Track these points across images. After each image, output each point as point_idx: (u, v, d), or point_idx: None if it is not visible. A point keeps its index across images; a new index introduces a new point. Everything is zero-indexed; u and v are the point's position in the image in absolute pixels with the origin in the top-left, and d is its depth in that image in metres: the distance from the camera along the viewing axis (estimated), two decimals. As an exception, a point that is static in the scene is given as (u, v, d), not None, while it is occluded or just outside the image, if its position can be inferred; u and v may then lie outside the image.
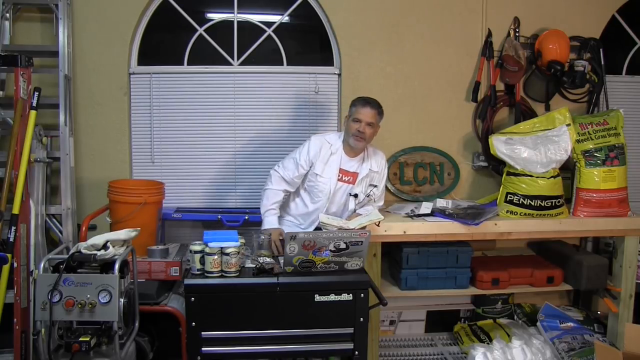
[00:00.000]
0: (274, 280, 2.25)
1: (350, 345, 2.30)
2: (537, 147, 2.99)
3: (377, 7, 3.43)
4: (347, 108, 3.46)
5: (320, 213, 2.76)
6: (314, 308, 2.26)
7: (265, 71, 3.49)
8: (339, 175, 2.81)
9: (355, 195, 2.82)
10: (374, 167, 2.86)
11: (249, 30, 3.48)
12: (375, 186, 2.87)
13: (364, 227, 2.59)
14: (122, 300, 2.22)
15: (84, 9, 3.24)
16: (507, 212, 3.03)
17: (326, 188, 2.78)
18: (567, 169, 3.26)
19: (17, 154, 2.68)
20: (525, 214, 3.00)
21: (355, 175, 2.84)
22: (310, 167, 2.80)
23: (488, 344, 3.12)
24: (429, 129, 3.53)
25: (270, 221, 2.78)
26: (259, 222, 3.14)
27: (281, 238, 2.59)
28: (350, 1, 3.41)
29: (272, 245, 2.60)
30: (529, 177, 2.99)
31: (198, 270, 2.27)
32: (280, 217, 2.88)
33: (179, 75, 3.44)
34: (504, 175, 3.12)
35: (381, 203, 2.96)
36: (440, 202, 3.07)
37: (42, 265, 2.27)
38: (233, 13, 3.46)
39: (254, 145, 3.51)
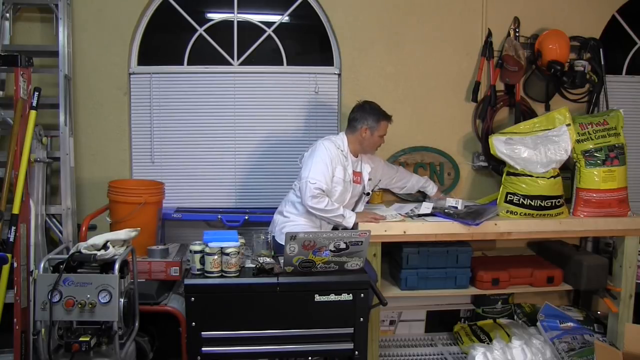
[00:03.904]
0: (274, 280, 2.25)
1: (350, 345, 2.30)
2: (537, 147, 2.99)
3: (377, 7, 3.43)
4: (348, 108, 3.48)
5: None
6: (314, 308, 2.26)
7: (265, 71, 3.49)
8: (353, 177, 2.88)
9: (368, 194, 2.98)
10: (369, 160, 3.02)
11: (249, 30, 3.48)
12: (370, 179, 2.98)
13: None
14: (122, 300, 2.22)
15: (84, 9, 3.24)
16: (507, 212, 3.02)
17: (340, 190, 2.81)
18: (567, 169, 3.26)
19: (17, 154, 2.68)
20: (525, 214, 3.00)
21: (359, 174, 2.93)
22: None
23: (488, 344, 3.12)
24: (429, 129, 3.53)
25: (349, 214, 2.78)
26: (259, 222, 3.16)
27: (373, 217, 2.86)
28: (351, 1, 3.41)
29: (374, 217, 2.84)
30: (529, 177, 2.99)
31: (198, 270, 2.27)
32: (287, 219, 2.85)
33: (179, 75, 3.44)
34: (504, 175, 3.12)
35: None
36: (450, 201, 3.06)
37: (42, 265, 2.27)
38: (233, 13, 3.46)
39: (254, 145, 3.51)
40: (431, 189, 3.27)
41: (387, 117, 2.92)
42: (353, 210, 2.90)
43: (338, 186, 2.79)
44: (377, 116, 2.88)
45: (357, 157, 2.96)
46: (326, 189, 2.72)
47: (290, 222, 2.83)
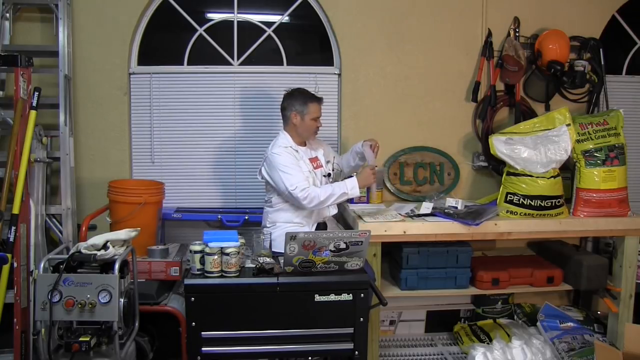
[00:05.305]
0: (274, 280, 2.25)
1: (350, 345, 2.29)
2: (537, 147, 2.99)
3: (377, 7, 3.43)
4: (348, 108, 3.49)
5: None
6: (314, 308, 2.26)
7: (265, 71, 3.49)
8: (312, 165, 2.87)
9: (329, 175, 2.94)
10: (317, 145, 2.99)
11: (249, 30, 3.48)
12: (329, 161, 2.98)
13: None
14: (122, 300, 2.23)
15: (84, 9, 3.24)
16: (507, 212, 3.02)
17: (310, 181, 2.79)
18: (567, 169, 3.25)
19: (17, 154, 2.68)
20: (525, 214, 3.00)
21: (316, 159, 2.93)
22: None
23: (488, 344, 3.12)
24: (429, 129, 3.53)
25: (350, 185, 2.74)
26: (259, 222, 3.15)
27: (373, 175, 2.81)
28: (351, 1, 3.41)
29: (375, 175, 2.81)
30: (529, 177, 2.99)
31: (198, 270, 2.27)
32: (275, 227, 2.86)
33: (179, 75, 3.44)
34: (504, 175, 3.12)
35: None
36: (450, 202, 3.06)
37: (42, 265, 2.27)
38: (233, 13, 3.46)
39: (254, 145, 3.51)
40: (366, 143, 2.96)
41: (316, 99, 2.84)
42: None
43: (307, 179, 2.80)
44: (303, 99, 2.82)
45: (305, 145, 2.93)
46: (304, 186, 2.67)
47: (275, 229, 2.83)
